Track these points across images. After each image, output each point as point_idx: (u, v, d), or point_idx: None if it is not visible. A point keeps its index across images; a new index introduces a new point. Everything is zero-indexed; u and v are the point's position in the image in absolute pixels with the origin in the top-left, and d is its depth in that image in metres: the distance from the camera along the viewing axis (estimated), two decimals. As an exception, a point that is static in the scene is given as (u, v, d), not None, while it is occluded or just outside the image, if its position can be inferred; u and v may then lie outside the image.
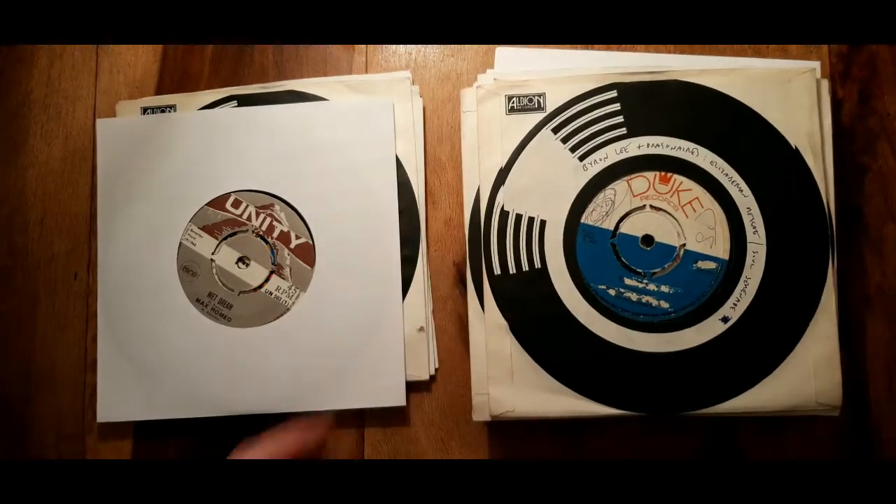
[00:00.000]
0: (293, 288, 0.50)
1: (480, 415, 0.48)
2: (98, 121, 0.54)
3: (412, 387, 0.50)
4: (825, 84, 0.48)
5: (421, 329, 0.50)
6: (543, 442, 0.49)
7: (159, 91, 0.55)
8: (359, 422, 0.51)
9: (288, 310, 0.50)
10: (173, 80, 0.55)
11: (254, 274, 0.51)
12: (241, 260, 0.51)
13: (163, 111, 0.53)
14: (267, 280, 0.51)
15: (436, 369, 0.51)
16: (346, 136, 0.52)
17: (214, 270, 0.51)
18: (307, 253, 0.51)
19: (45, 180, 0.55)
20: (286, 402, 0.49)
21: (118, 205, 0.52)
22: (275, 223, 0.51)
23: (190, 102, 0.53)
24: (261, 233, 0.51)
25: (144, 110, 0.54)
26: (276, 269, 0.51)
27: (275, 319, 0.50)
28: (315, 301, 0.50)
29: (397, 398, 0.49)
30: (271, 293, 0.51)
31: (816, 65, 0.50)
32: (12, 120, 0.55)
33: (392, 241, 0.50)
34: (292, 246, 0.51)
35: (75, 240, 0.54)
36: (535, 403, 0.47)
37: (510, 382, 0.47)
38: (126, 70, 0.55)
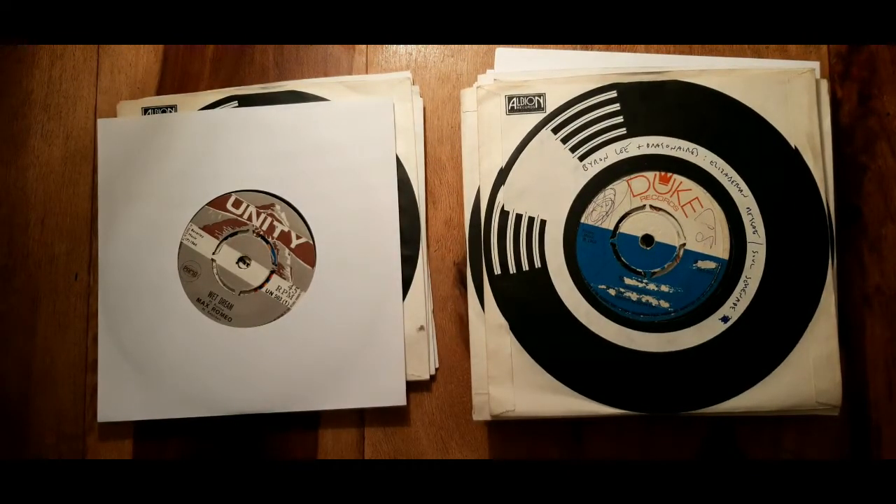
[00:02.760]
0: (294, 288, 0.51)
1: (480, 414, 0.48)
2: (99, 121, 0.54)
3: (412, 386, 0.50)
4: (825, 84, 0.48)
5: (421, 328, 0.50)
6: (543, 442, 0.49)
7: (160, 91, 0.55)
8: (359, 422, 0.51)
9: (288, 309, 0.50)
10: (174, 80, 0.55)
11: (254, 274, 0.51)
12: (241, 260, 0.51)
13: (163, 111, 0.53)
14: (267, 280, 0.51)
15: (436, 369, 0.51)
16: (346, 136, 0.52)
17: (215, 270, 0.51)
18: (308, 253, 0.51)
19: (45, 180, 0.55)
20: (287, 402, 0.49)
21: (119, 204, 0.52)
22: (275, 223, 0.51)
23: (191, 102, 0.53)
24: (261, 233, 0.51)
25: (145, 110, 0.54)
26: (277, 269, 0.51)
27: (275, 319, 0.50)
28: (315, 301, 0.50)
29: (398, 398, 0.49)
30: (272, 293, 0.51)
31: (816, 65, 0.50)
32: (13, 120, 0.55)
33: (392, 241, 0.50)
34: (293, 246, 0.51)
35: (76, 240, 0.54)
36: (535, 403, 0.47)
37: (510, 382, 0.47)
38: (127, 70, 0.55)
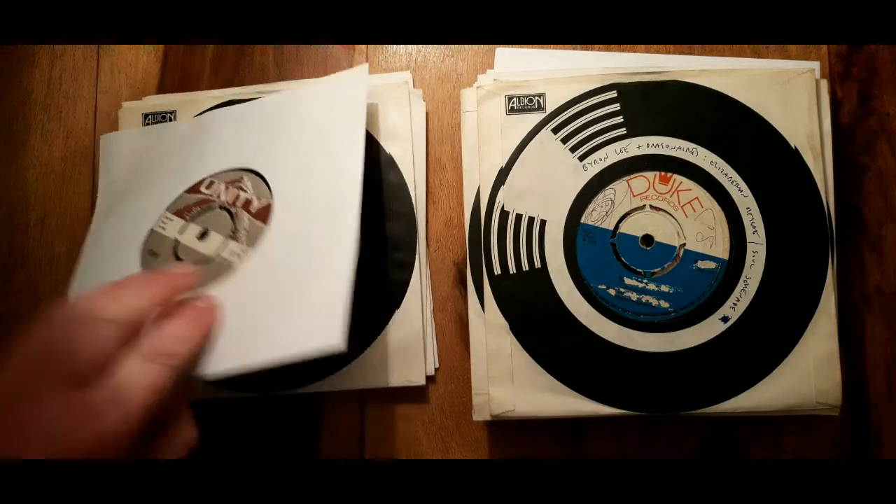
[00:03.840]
0: (245, 249, 0.48)
1: (480, 414, 0.48)
2: (101, 137, 0.54)
3: (413, 389, 0.50)
4: (825, 84, 0.48)
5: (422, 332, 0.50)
6: (543, 442, 0.49)
7: (160, 91, 0.55)
8: (359, 422, 0.51)
9: (235, 270, 0.47)
10: (174, 80, 0.55)
11: (211, 244, 0.49)
12: (203, 234, 0.50)
13: (163, 118, 0.53)
14: (224, 247, 0.48)
15: (436, 369, 0.51)
16: (319, 105, 0.50)
17: (178, 249, 0.49)
18: (265, 214, 0.48)
19: (45, 180, 0.55)
20: (237, 357, 0.43)
21: (110, 214, 0.52)
22: (241, 193, 0.49)
23: (189, 108, 0.53)
24: (225, 204, 0.50)
25: (146, 116, 0.53)
26: (233, 234, 0.48)
27: (220, 280, 0.46)
28: (263, 258, 0.47)
29: (334, 340, 0.40)
30: (226, 259, 0.48)
31: (816, 65, 0.50)
32: (13, 120, 0.55)
33: (352, 203, 0.45)
34: (253, 210, 0.49)
35: (76, 240, 0.54)
36: (535, 403, 0.47)
37: (510, 382, 0.47)
38: (127, 70, 0.56)
